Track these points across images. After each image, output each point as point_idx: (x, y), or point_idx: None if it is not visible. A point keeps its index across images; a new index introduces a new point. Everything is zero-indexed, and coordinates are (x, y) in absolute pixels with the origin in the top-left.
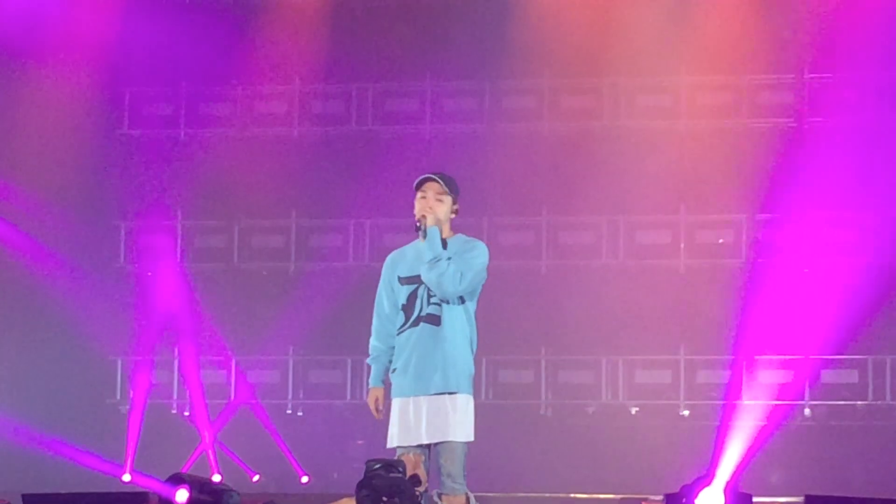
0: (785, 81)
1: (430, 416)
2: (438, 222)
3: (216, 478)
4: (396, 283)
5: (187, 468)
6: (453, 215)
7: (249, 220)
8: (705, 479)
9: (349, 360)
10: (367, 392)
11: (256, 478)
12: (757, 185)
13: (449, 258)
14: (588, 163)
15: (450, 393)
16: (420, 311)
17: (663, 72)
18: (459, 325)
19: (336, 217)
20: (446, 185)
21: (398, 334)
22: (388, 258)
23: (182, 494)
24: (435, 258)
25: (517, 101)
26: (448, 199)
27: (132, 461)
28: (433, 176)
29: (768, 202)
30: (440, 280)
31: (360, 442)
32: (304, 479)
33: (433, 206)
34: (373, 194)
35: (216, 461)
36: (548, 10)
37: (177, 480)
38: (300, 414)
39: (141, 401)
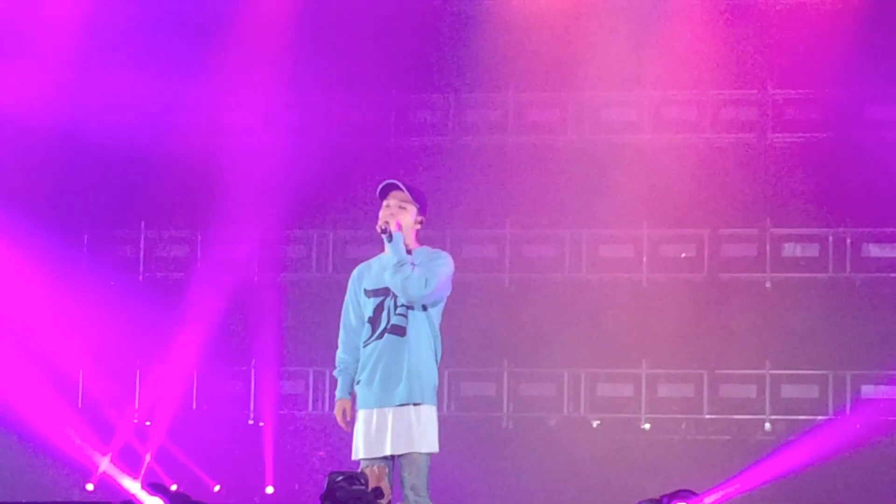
0: (748, 97)
1: (394, 428)
2: (402, 229)
3: (173, 487)
4: (363, 296)
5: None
6: (418, 226)
7: (212, 230)
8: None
9: (310, 371)
10: (335, 404)
11: (217, 488)
12: (720, 199)
13: (414, 264)
14: (552, 176)
15: (414, 404)
16: (387, 323)
17: (627, 86)
18: (424, 335)
19: (299, 228)
20: (410, 193)
21: (364, 346)
22: (355, 271)
23: None
24: (399, 262)
25: (481, 114)
26: (412, 209)
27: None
28: (396, 182)
29: (731, 217)
30: (405, 283)
31: (321, 453)
32: (270, 490)
33: (396, 213)
34: (336, 206)
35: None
36: (512, 23)
37: (153, 490)
38: (261, 424)
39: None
